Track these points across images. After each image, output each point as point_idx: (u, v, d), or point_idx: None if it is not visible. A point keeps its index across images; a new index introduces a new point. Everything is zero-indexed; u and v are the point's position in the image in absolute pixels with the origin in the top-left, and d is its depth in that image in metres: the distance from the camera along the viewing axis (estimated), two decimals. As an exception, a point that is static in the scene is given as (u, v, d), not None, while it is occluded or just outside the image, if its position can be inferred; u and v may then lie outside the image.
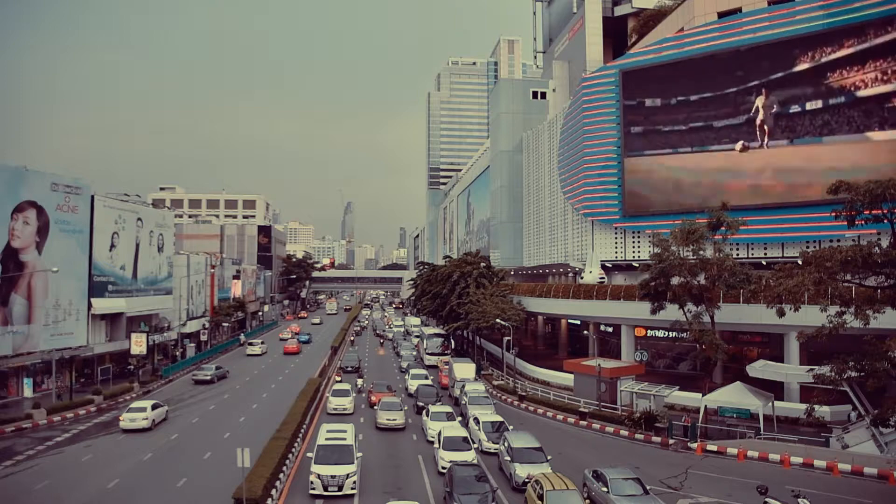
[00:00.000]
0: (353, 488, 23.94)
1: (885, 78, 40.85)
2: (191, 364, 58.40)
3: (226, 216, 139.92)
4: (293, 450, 28.13)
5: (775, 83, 46.08)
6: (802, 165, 45.18)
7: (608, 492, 22.21)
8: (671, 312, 38.66)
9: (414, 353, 66.55)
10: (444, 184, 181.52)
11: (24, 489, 24.84)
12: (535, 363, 54.88)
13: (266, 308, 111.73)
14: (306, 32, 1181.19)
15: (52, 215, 44.46)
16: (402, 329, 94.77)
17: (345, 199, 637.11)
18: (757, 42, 46.79)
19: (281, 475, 24.45)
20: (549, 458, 26.24)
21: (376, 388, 43.11)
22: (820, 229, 42.51)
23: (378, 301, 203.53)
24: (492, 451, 29.71)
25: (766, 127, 46.78)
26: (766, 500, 19.87)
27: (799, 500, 19.81)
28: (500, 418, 32.74)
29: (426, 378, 47.24)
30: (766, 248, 47.25)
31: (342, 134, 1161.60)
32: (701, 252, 36.67)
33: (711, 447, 30.99)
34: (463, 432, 29.30)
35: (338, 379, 49.39)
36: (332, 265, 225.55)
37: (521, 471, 24.83)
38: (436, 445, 28.65)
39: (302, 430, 31.80)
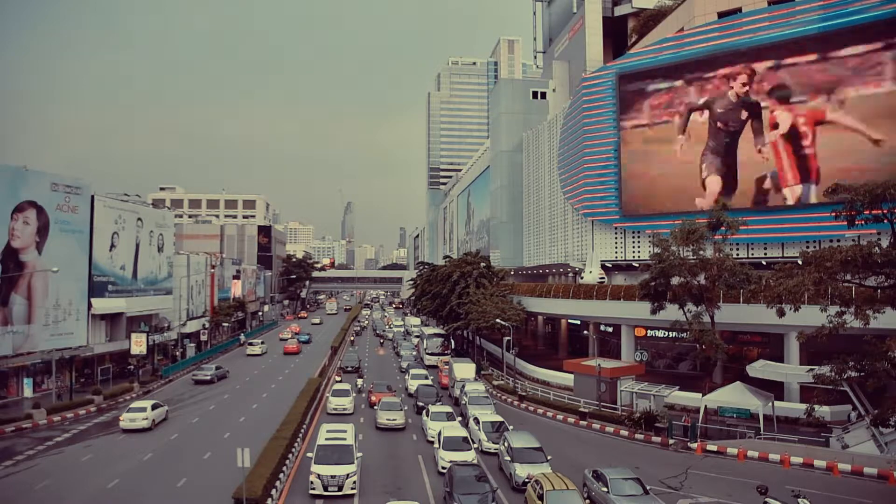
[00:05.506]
0: (353, 488, 23.95)
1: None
2: (191, 364, 58.40)
3: (226, 216, 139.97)
4: (293, 450, 28.12)
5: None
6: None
7: (608, 492, 22.22)
8: (671, 312, 38.63)
9: (414, 353, 66.51)
10: (444, 184, 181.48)
11: (24, 489, 24.83)
12: (535, 363, 54.87)
13: (266, 308, 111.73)
14: (306, 32, 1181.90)
15: (52, 215, 44.45)
16: (402, 329, 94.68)
17: (345, 199, 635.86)
18: (757, 42, 46.81)
19: (281, 475, 24.45)
20: (549, 458, 26.24)
21: (376, 388, 43.12)
22: (820, 229, 42.49)
23: (378, 301, 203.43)
24: (492, 451, 29.71)
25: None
26: (766, 500, 19.87)
27: (799, 500, 19.81)
28: (500, 418, 32.73)
29: (426, 378, 47.23)
30: (766, 248, 47.24)
31: (342, 134, 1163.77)
32: (701, 252, 36.67)
33: (711, 447, 31.00)
34: (463, 432, 29.30)
35: (338, 379, 49.37)
36: (332, 265, 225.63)
37: (521, 471, 24.83)
38: (436, 445, 28.66)
39: (302, 430, 31.79)
